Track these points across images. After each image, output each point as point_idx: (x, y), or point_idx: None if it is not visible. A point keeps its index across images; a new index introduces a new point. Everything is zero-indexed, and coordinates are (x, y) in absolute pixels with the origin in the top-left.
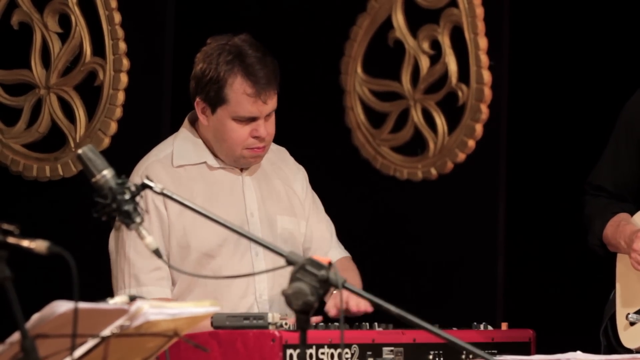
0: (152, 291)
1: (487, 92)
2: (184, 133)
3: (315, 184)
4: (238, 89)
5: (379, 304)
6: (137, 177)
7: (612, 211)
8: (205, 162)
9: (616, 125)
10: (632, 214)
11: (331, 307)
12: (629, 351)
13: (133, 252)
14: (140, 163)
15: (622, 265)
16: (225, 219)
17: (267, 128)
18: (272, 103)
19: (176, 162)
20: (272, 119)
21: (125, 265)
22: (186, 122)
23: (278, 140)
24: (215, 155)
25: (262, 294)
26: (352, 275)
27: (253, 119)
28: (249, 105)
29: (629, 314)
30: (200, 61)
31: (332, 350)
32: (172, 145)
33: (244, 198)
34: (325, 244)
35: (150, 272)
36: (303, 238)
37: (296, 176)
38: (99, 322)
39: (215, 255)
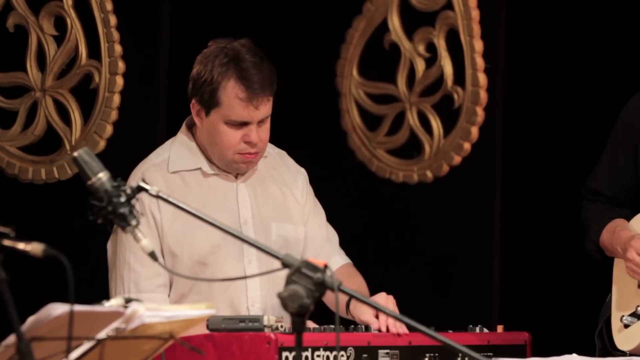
0: (152, 298)
1: (483, 95)
2: (181, 137)
3: (311, 186)
4: (231, 93)
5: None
6: (134, 181)
7: (609, 217)
8: (200, 169)
9: (613, 130)
10: (628, 219)
11: (375, 322)
12: (623, 354)
13: (133, 257)
14: (138, 167)
15: (619, 269)
16: (221, 222)
17: (260, 134)
18: (264, 109)
19: (172, 168)
20: (267, 125)
21: (125, 271)
22: (183, 126)
23: (274, 142)
24: (210, 161)
25: (255, 302)
26: (359, 282)
27: (245, 124)
28: (241, 109)
29: (623, 316)
30: (198, 63)
31: (328, 352)
32: (169, 150)
33: (237, 205)
34: (326, 249)
35: (151, 278)
36: (302, 244)
37: (296, 180)
38: (94, 324)
39: (207, 264)
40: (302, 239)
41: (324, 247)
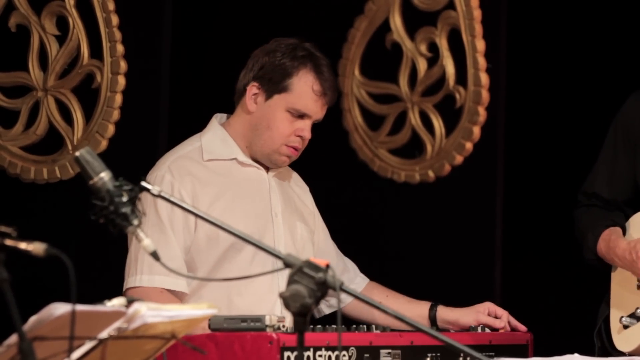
0: (164, 281)
1: (485, 95)
2: (213, 130)
3: (313, 186)
4: (306, 82)
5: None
6: (159, 173)
7: (605, 224)
8: (235, 159)
9: (610, 133)
10: (624, 224)
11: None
12: (622, 354)
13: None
14: (163, 159)
15: (617, 269)
16: (222, 222)
17: (309, 133)
18: (324, 111)
19: (206, 156)
20: (311, 131)
21: (139, 254)
22: (214, 121)
23: None
24: (243, 153)
25: None
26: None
27: (303, 117)
28: (311, 101)
29: (622, 317)
30: (268, 52)
31: (330, 352)
32: (200, 140)
33: (270, 197)
34: (341, 261)
35: (165, 262)
36: (315, 248)
37: (305, 193)
38: (96, 324)
39: (240, 249)
40: (316, 243)
41: (340, 260)
